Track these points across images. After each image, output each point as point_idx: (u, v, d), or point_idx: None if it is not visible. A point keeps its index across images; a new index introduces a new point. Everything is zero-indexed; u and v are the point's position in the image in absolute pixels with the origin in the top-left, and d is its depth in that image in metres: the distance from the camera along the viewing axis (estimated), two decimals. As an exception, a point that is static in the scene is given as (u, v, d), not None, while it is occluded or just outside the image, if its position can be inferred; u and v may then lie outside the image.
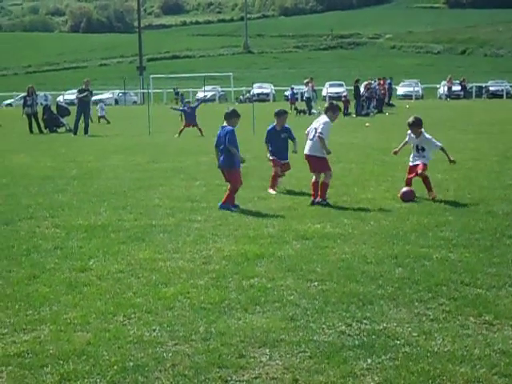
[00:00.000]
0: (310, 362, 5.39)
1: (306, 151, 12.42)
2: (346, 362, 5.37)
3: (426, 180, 12.35)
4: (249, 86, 71.01)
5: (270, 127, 14.13)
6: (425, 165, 12.41)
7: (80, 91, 31.14)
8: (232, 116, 12.07)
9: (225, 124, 12.03)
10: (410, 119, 12.54)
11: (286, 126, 14.14)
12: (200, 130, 27.73)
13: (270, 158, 13.93)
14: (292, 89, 52.22)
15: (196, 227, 10.29)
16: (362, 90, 43.40)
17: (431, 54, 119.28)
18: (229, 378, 5.15)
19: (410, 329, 6.05)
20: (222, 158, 11.93)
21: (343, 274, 7.71)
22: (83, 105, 30.87)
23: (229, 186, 11.88)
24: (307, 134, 12.58)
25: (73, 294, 7.18)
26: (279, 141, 13.93)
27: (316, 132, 12.19)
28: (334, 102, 14.27)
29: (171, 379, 5.15)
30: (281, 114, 14.06)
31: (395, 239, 9.27)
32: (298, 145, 13.81)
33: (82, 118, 30.36)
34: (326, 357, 5.46)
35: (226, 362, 5.42)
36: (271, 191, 13.31)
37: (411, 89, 68.79)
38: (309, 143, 12.42)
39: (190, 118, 28.74)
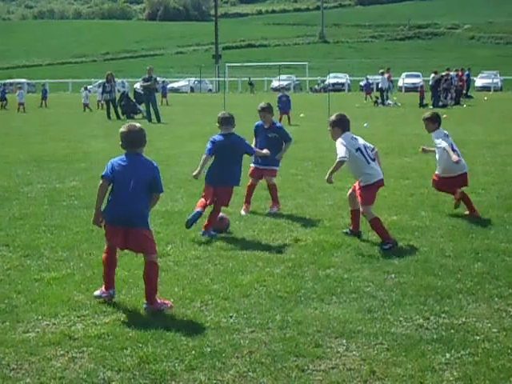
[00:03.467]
0: (388, 355, 5.35)
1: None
2: (424, 355, 5.31)
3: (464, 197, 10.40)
4: (324, 75, 70.81)
5: (258, 122, 11.18)
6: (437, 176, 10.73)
7: (144, 80, 31.49)
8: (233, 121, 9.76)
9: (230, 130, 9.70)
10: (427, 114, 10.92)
11: (278, 124, 11.52)
12: (289, 118, 28.00)
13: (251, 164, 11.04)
14: (367, 79, 51.78)
15: (272, 215, 10.31)
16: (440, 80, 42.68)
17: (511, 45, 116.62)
18: (305, 367, 5.16)
19: (489, 324, 5.95)
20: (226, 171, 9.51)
21: (420, 266, 7.63)
22: (149, 93, 31.19)
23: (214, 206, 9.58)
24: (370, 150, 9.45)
25: (151, 279, 7.28)
26: (265, 140, 10.87)
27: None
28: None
29: (248, 366, 5.18)
30: (261, 110, 11.05)
31: (474, 233, 9.12)
32: (287, 149, 11.07)
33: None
34: (404, 349, 5.42)
35: (302, 350, 5.43)
36: (242, 211, 10.71)
37: (490, 80, 67.32)
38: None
39: (285, 107, 28.87)
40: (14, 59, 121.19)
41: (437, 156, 10.74)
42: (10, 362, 5.28)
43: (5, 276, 7.46)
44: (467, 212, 10.23)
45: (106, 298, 6.58)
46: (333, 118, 9.30)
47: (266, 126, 11.02)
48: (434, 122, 10.82)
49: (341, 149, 8.92)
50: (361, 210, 8.92)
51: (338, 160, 8.90)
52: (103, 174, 6.57)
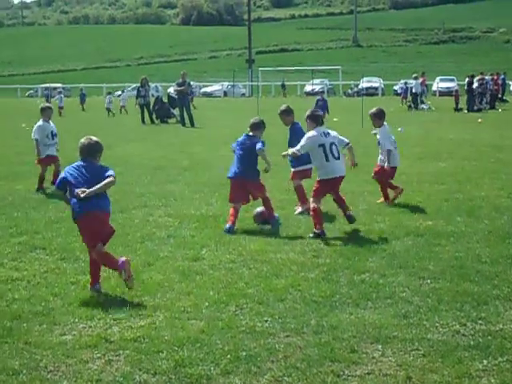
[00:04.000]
0: (424, 361, 5.31)
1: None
2: (460, 361, 5.27)
3: (382, 185, 11.68)
4: (357, 79, 70.57)
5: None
6: (381, 167, 11.70)
7: (178, 84, 31.62)
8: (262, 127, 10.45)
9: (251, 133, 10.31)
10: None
11: (297, 125, 11.49)
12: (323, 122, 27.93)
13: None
14: (406, 83, 51.43)
15: (305, 220, 10.28)
16: (475, 84, 42.36)
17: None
18: (341, 373, 5.14)
19: (527, 331, 5.88)
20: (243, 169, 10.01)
21: (456, 272, 7.57)
22: (182, 97, 31.32)
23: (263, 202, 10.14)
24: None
25: (186, 283, 7.32)
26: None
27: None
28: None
29: (283, 370, 5.18)
30: (279, 114, 11.70)
31: (511, 239, 9.02)
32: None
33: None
34: (440, 356, 5.38)
35: (338, 356, 5.41)
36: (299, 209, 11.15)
37: (525, 84, 66.59)
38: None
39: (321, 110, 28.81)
40: (50, 64, 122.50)
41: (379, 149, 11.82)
42: (48, 364, 5.33)
43: (42, 279, 7.54)
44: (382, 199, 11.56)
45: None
46: (308, 112, 10.28)
47: (288, 128, 11.54)
48: (380, 118, 11.79)
49: (302, 143, 9.84)
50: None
51: (293, 150, 9.91)
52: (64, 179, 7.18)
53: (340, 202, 10.06)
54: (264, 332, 5.92)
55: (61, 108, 42.66)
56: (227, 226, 9.68)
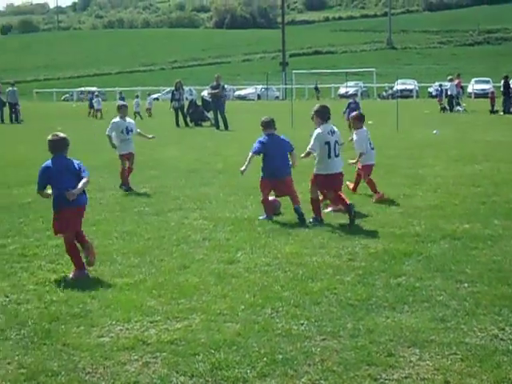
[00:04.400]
0: (462, 365, 5.27)
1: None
2: (499, 366, 5.22)
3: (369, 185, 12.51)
4: (391, 81, 70.22)
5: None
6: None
7: (212, 87, 31.71)
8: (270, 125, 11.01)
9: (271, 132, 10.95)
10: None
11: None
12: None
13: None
14: (440, 85, 51.05)
15: (341, 223, 10.27)
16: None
17: None
18: (378, 376, 5.12)
19: None
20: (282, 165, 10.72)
21: (494, 276, 7.49)
22: (216, 100, 31.40)
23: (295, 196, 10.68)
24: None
25: (222, 285, 7.34)
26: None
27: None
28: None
29: (320, 374, 5.17)
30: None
31: (549, 242, 8.92)
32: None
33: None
34: (479, 360, 5.33)
35: (374, 359, 5.39)
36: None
37: (563, 86, 65.76)
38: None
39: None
40: (85, 68, 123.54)
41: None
42: (86, 365, 5.38)
43: (79, 281, 7.60)
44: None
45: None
46: (315, 107, 10.74)
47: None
48: (360, 121, 12.70)
49: (313, 142, 10.40)
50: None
51: (307, 150, 10.48)
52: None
53: (337, 200, 10.68)
54: (300, 335, 5.92)
55: (98, 111, 43.17)
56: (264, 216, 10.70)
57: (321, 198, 10.84)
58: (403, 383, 5.02)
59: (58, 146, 8.08)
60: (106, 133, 14.34)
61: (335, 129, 10.61)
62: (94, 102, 45.07)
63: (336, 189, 10.57)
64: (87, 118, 43.87)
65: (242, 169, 10.91)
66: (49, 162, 8.03)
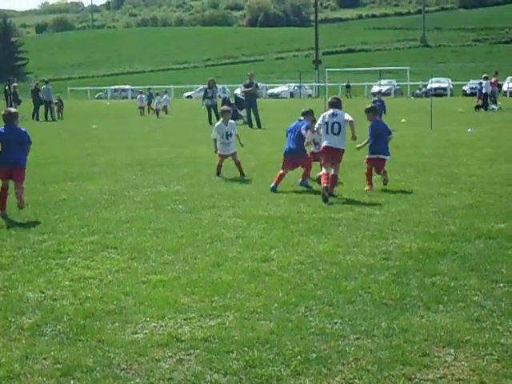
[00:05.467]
0: (498, 366, 5.22)
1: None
2: (536, 368, 5.16)
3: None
4: (425, 80, 69.80)
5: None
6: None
7: (245, 85, 31.72)
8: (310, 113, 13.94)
9: (302, 118, 13.79)
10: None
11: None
12: None
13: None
14: (480, 84, 50.56)
15: (375, 222, 10.22)
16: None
17: None
18: (413, 376, 5.09)
19: None
20: (292, 146, 13.57)
21: (531, 276, 7.41)
22: (250, 98, 31.40)
23: (304, 170, 13.67)
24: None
25: (255, 283, 7.34)
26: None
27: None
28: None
29: (354, 373, 5.14)
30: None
31: None
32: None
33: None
34: (515, 361, 5.28)
35: (409, 359, 5.35)
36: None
37: None
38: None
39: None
40: (119, 66, 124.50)
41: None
42: (120, 362, 5.41)
43: (113, 278, 7.65)
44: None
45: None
46: (329, 99, 13.46)
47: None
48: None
49: (317, 122, 13.03)
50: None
51: (314, 128, 13.10)
52: None
53: (330, 179, 12.29)
54: (334, 334, 5.90)
55: (141, 108, 44.05)
56: (272, 185, 13.02)
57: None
58: (438, 383, 4.98)
59: (9, 118, 11.23)
60: (212, 136, 15.41)
61: (340, 112, 12.66)
62: (137, 98, 45.99)
63: (325, 160, 12.64)
64: (136, 116, 44.12)
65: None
66: (1, 129, 11.21)
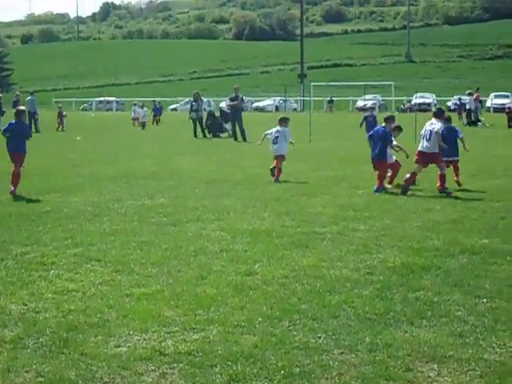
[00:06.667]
0: (481, 381, 5.24)
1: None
2: (519, 383, 5.18)
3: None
4: (410, 95, 70.10)
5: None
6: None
7: (231, 99, 31.76)
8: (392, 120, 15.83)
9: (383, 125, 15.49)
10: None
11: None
12: None
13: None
14: (459, 99, 50.92)
15: (359, 236, 10.25)
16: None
17: None
18: (396, 391, 5.09)
19: None
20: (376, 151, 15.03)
21: (514, 292, 7.44)
22: (235, 111, 31.42)
23: (378, 174, 14.80)
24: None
25: (239, 297, 7.33)
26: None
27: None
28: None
29: (338, 388, 5.14)
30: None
31: None
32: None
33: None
34: (498, 377, 5.29)
35: (392, 374, 5.36)
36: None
37: None
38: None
39: (371, 128, 28.97)
40: (104, 78, 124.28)
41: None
42: (103, 375, 5.38)
43: (97, 290, 7.62)
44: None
45: None
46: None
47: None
48: (399, 131, 16.31)
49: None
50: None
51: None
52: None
53: (439, 177, 14.38)
54: (318, 348, 5.90)
55: (134, 120, 43.96)
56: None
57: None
58: (421, 399, 4.99)
59: (19, 115, 15.00)
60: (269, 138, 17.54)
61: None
62: (136, 112, 45.52)
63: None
64: (121, 127, 43.99)
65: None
66: (13, 122, 14.84)
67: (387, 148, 15.13)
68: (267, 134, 17.53)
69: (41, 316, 6.78)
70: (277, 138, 16.98)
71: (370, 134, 15.85)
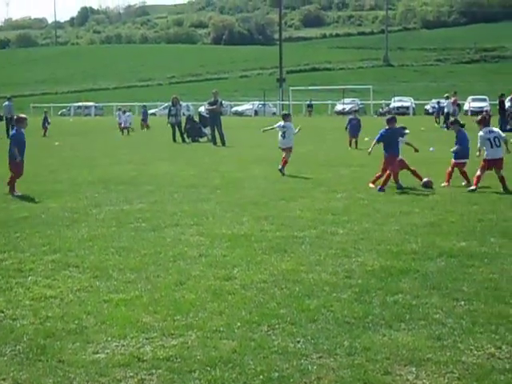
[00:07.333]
0: (459, 384, 5.26)
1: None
2: (496, 385, 5.20)
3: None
4: (388, 99, 70.51)
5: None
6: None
7: (210, 103, 31.74)
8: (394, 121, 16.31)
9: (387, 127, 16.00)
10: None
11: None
12: (356, 142, 28.12)
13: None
14: (438, 103, 51.24)
15: (338, 240, 10.26)
16: (507, 104, 42.07)
17: None
18: (375, 395, 5.10)
19: None
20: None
21: (491, 294, 7.48)
22: (214, 116, 31.39)
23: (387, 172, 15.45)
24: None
25: (218, 302, 7.32)
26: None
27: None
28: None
29: (316, 392, 5.14)
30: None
31: (546, 261, 8.90)
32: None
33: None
34: (476, 379, 5.32)
35: (371, 378, 5.37)
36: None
37: (559, 104, 65.90)
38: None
39: (355, 131, 29.19)
40: (82, 83, 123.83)
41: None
42: (81, 382, 5.35)
43: (75, 297, 7.58)
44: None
45: None
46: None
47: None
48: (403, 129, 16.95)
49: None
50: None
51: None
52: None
53: (500, 180, 15.16)
54: (296, 353, 5.89)
55: (120, 124, 43.48)
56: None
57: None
58: (400, 402, 5.00)
59: (20, 122, 16.04)
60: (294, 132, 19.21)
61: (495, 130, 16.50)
62: (121, 118, 44.83)
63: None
64: (99, 133, 43.81)
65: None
66: (18, 132, 15.94)
67: (399, 143, 16.07)
68: (275, 126, 19.49)
69: (18, 323, 6.73)
70: (284, 133, 18.95)
71: (377, 138, 16.14)
